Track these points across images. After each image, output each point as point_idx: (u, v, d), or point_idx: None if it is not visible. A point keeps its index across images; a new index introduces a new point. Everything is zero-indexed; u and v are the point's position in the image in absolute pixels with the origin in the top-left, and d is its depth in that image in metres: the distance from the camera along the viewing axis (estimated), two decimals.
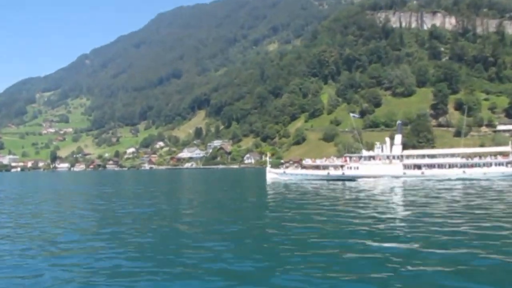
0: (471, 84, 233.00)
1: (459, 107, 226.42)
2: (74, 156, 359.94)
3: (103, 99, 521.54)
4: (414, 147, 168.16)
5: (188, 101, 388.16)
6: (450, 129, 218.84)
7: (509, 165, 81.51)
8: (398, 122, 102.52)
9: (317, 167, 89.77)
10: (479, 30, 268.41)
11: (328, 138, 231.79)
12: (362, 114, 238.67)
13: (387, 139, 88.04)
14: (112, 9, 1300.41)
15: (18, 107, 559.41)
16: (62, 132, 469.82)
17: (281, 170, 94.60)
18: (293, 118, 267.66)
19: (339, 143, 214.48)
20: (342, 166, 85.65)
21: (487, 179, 73.12)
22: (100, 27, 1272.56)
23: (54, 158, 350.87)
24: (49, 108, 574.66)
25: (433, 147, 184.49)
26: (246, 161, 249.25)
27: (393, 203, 38.20)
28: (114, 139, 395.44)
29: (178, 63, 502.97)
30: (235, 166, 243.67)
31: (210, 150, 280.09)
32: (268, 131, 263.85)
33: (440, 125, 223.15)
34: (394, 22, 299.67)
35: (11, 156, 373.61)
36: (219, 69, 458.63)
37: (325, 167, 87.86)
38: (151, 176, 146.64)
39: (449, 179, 73.77)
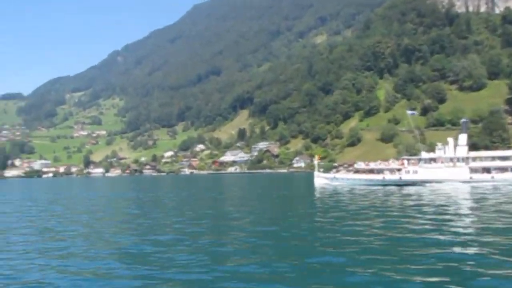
0: None
1: None
2: (109, 160, 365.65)
3: (137, 99, 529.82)
4: (486, 148, 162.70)
5: (229, 100, 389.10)
6: None
7: None
8: (463, 120, 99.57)
9: (371, 171, 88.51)
10: None
11: (387, 138, 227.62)
12: (425, 111, 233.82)
13: (450, 140, 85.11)
14: (145, 2, 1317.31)
15: (48, 109, 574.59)
16: (94, 135, 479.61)
17: (331, 175, 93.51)
18: (346, 117, 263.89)
19: (398, 144, 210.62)
20: (399, 170, 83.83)
21: None
22: (133, 22, 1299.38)
23: (88, 163, 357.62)
24: (80, 109, 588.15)
25: (509, 147, 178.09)
26: (295, 165, 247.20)
27: (461, 214, 35.47)
28: (150, 142, 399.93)
29: (217, 59, 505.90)
30: (283, 170, 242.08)
31: (255, 153, 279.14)
32: (319, 131, 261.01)
33: None
34: (459, 6, 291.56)
35: (42, 161, 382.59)
36: (261, 65, 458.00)
37: (380, 171, 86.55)
38: (194, 181, 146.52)
39: None
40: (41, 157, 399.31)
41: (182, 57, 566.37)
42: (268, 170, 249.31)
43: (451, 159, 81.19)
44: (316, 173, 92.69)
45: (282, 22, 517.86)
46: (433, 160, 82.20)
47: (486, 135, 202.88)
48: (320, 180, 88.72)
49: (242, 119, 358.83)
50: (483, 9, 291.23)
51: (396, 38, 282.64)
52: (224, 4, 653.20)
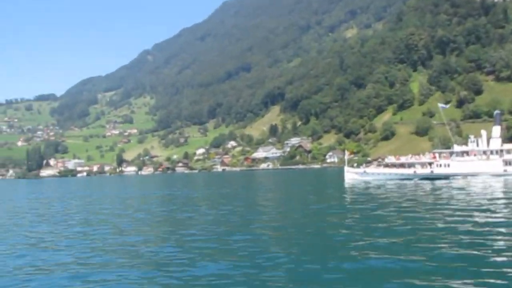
0: None
1: None
2: (141, 158, 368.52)
3: (167, 97, 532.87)
4: None
5: (260, 96, 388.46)
6: None
7: None
8: (496, 112, 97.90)
9: (401, 165, 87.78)
10: None
11: (421, 132, 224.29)
12: (461, 103, 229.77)
13: (483, 132, 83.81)
14: (174, 1, 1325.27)
15: (80, 109, 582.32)
16: (126, 133, 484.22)
17: (361, 170, 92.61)
18: (380, 110, 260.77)
19: (434, 137, 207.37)
20: (430, 164, 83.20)
21: None
22: (162, 21, 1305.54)
23: (121, 161, 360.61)
24: (111, 108, 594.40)
25: None
26: (328, 160, 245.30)
27: (495, 209, 33.75)
28: (182, 140, 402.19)
29: (246, 55, 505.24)
30: (317, 166, 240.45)
31: (288, 149, 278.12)
32: (352, 126, 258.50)
33: None
34: None
35: (76, 161, 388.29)
36: (292, 60, 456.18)
37: (411, 165, 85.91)
38: (227, 178, 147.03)
39: None
40: (74, 157, 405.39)
41: (212, 54, 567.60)
42: (301, 166, 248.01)
43: (484, 152, 80.00)
44: (346, 168, 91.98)
45: (312, 16, 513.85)
46: (466, 153, 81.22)
47: None
48: (350, 175, 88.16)
49: (273, 115, 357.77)
50: None
51: (429, 29, 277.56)
52: (253, 0, 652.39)
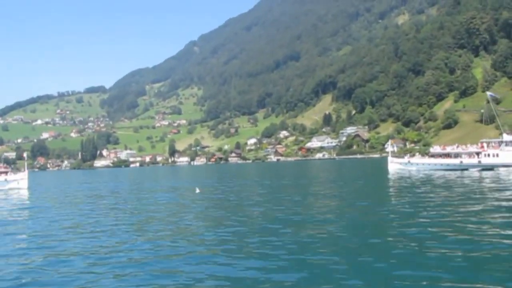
0: None
1: None
2: (193, 149, 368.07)
3: (215, 88, 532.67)
4: None
5: (311, 85, 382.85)
6: None
7: None
8: None
9: (447, 155, 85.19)
10: None
11: (487, 120, 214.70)
12: None
13: None
14: None
15: (129, 100, 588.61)
16: (175, 124, 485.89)
17: (405, 160, 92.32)
18: (440, 98, 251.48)
19: (502, 125, 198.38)
20: (478, 154, 79.79)
21: None
22: (207, 11, 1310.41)
23: (173, 152, 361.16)
24: (160, 99, 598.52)
25: None
26: (387, 149, 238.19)
27: None
28: (232, 130, 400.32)
29: (295, 44, 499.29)
30: (376, 156, 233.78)
31: (344, 138, 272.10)
32: (410, 114, 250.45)
33: None
34: None
35: (128, 151, 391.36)
36: (341, 48, 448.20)
37: (457, 155, 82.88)
38: (287, 168, 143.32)
39: None
40: (126, 147, 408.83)
41: (259, 44, 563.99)
42: (359, 156, 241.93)
43: None
44: (389, 158, 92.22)
45: (361, 3, 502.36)
46: None
47: None
48: (394, 165, 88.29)
49: (325, 105, 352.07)
50: None
51: (492, 12, 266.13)
52: None
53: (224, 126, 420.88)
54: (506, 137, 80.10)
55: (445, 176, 64.81)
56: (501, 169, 73.77)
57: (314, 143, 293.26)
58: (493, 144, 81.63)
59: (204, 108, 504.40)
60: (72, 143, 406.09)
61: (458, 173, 71.08)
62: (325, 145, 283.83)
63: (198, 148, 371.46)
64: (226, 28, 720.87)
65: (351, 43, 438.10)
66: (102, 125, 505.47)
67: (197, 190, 50.62)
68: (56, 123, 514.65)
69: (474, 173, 70.14)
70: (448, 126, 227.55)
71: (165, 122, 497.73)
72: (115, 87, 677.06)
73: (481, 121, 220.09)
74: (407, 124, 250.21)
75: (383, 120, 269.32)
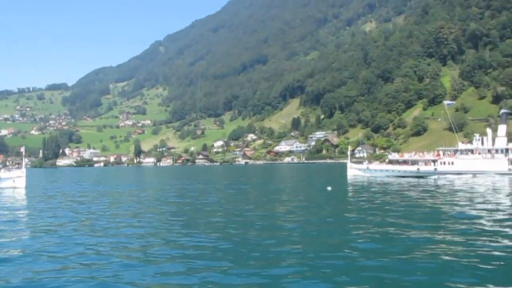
0: None
1: None
2: (159, 150, 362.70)
3: (181, 89, 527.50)
4: None
5: (278, 89, 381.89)
6: None
7: None
8: (503, 111, 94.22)
9: (405, 162, 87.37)
10: None
11: (456, 127, 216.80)
12: (497, 99, 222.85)
13: (489, 131, 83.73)
14: None
15: (93, 99, 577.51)
16: (140, 124, 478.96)
17: (363, 166, 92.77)
18: (409, 105, 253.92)
19: (469, 132, 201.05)
20: (434, 161, 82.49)
21: None
22: (173, 12, 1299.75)
23: (139, 152, 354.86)
24: (124, 99, 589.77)
25: None
26: (357, 155, 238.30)
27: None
28: (198, 132, 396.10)
29: (262, 47, 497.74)
30: (345, 161, 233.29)
31: (313, 143, 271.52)
32: (380, 120, 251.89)
33: None
34: None
35: (92, 151, 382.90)
36: (309, 53, 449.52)
37: (415, 162, 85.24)
38: (257, 171, 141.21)
39: None
40: (89, 147, 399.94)
41: (226, 46, 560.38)
42: (328, 160, 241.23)
43: (489, 151, 79.80)
44: (349, 164, 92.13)
45: (329, 10, 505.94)
46: (470, 151, 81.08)
47: None
48: (353, 171, 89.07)
49: (293, 109, 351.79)
50: None
51: (460, 23, 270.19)
52: None
53: (190, 128, 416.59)
54: (461, 145, 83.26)
55: (399, 182, 66.78)
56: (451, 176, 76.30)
57: (283, 147, 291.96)
58: (449, 153, 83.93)
59: (169, 109, 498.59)
60: (33, 140, 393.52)
61: (414, 180, 73.11)
62: (294, 149, 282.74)
63: (164, 149, 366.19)
64: (192, 29, 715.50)
65: (319, 48, 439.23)
66: (64, 123, 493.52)
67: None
68: (16, 119, 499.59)
69: (430, 180, 71.94)
70: (417, 133, 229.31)
71: (129, 122, 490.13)
72: (78, 85, 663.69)
73: (449, 129, 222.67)
74: (376, 130, 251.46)
75: (352, 126, 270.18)
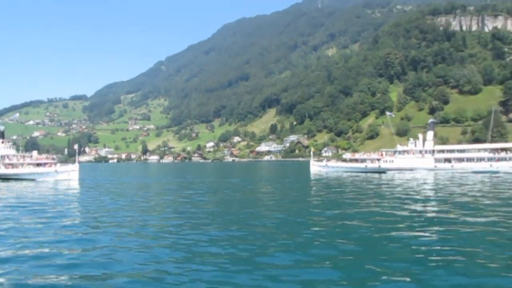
0: None
1: None
2: (161, 149, 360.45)
3: (179, 100, 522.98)
4: (486, 141, 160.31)
5: (259, 100, 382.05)
6: None
7: None
8: (431, 120, 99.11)
9: (356, 160, 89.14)
10: None
11: (401, 133, 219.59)
12: (433, 110, 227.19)
13: (420, 136, 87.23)
14: (183, 22, 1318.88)
15: (107, 108, 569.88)
16: (145, 128, 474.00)
17: (323, 163, 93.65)
18: (364, 115, 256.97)
19: (411, 137, 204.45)
20: (378, 160, 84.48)
21: None
22: (173, 37, 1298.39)
23: (146, 151, 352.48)
24: (132, 108, 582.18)
25: (506, 141, 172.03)
26: (324, 154, 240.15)
27: (420, 194, 37.40)
28: (193, 135, 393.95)
29: (245, 67, 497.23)
30: (315, 159, 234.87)
31: (288, 144, 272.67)
32: (341, 126, 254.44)
33: (510, 121, 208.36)
34: (454, 26, 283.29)
35: (107, 149, 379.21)
36: (283, 72, 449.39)
37: (363, 161, 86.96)
38: (243, 167, 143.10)
39: (477, 172, 73.12)
40: (104, 146, 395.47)
41: (215, 66, 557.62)
42: (301, 159, 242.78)
43: (420, 151, 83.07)
44: (311, 161, 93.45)
45: (299, 38, 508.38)
46: (406, 152, 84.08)
47: (487, 130, 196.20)
48: (315, 167, 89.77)
49: (270, 116, 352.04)
50: (474, 27, 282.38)
51: (403, 50, 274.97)
52: (249, 23, 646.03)
53: (186, 131, 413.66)
54: (399, 147, 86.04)
55: (351, 176, 69.38)
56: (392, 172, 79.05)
57: (263, 147, 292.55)
58: (390, 153, 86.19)
59: (169, 116, 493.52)
60: (59, 141, 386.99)
61: (363, 174, 75.94)
62: (272, 149, 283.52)
63: (166, 148, 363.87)
64: (188, 52, 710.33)
65: (291, 69, 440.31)
66: (84, 127, 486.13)
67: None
68: (45, 124, 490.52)
69: (374, 175, 73.97)
70: (371, 137, 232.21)
71: (137, 126, 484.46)
72: (95, 96, 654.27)
73: (397, 134, 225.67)
74: (339, 134, 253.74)
75: (319, 131, 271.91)
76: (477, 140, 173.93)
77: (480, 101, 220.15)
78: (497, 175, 66.84)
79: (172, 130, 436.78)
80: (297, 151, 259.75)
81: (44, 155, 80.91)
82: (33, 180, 63.85)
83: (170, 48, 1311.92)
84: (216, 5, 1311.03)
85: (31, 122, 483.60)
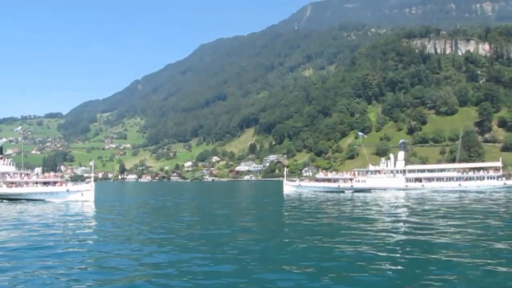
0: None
1: (502, 124, 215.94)
2: (139, 168, 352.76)
3: (156, 119, 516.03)
4: (465, 161, 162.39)
5: (237, 120, 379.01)
6: (496, 144, 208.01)
7: (499, 179, 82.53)
8: (402, 141, 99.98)
9: (328, 180, 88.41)
10: None
11: (381, 153, 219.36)
12: (411, 130, 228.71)
13: (391, 156, 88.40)
14: (159, 41, 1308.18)
15: (83, 126, 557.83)
16: (122, 147, 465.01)
17: (296, 183, 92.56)
18: (344, 135, 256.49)
19: (388, 157, 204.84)
20: (351, 179, 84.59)
21: (480, 192, 72.65)
22: (150, 56, 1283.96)
23: (123, 170, 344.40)
24: (108, 126, 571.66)
25: (483, 161, 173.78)
26: (304, 174, 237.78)
27: (392, 212, 38.86)
28: (171, 154, 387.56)
29: (222, 87, 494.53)
30: (295, 178, 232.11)
31: (268, 164, 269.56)
32: (321, 146, 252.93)
33: (486, 141, 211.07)
34: (429, 48, 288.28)
35: (83, 168, 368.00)
36: (260, 92, 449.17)
37: (336, 180, 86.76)
38: (226, 187, 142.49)
39: (446, 191, 74.06)
40: (80, 165, 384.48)
41: (192, 85, 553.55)
42: (281, 178, 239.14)
43: (392, 171, 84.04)
44: (285, 181, 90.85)
45: (276, 58, 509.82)
46: (378, 171, 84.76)
47: (465, 150, 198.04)
48: (288, 187, 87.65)
49: (249, 136, 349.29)
50: (448, 51, 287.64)
51: (381, 72, 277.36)
52: (226, 44, 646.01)
53: (164, 151, 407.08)
54: (371, 167, 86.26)
55: (325, 196, 68.71)
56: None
57: (242, 167, 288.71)
58: (362, 173, 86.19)
59: (146, 135, 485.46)
60: (33, 159, 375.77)
61: (335, 194, 75.11)
62: (252, 169, 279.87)
63: (143, 167, 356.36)
64: (165, 71, 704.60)
65: (268, 89, 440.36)
66: (59, 145, 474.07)
67: None
68: (19, 141, 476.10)
69: (348, 194, 73.53)
70: (351, 157, 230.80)
71: (113, 145, 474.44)
72: (71, 114, 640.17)
73: (376, 153, 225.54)
74: (319, 154, 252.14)
75: (299, 150, 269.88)
76: (455, 160, 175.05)
77: (457, 121, 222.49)
78: (466, 193, 68.37)
79: (149, 149, 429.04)
80: (277, 171, 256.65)
81: (51, 173, 73.63)
82: (40, 201, 56.86)
83: (146, 67, 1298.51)
84: (194, 25, 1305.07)
85: (4, 140, 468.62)
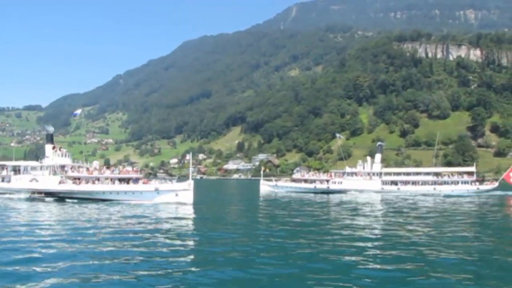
0: (504, 109, 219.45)
1: (495, 129, 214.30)
2: (123, 164, 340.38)
3: (138, 114, 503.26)
4: (459, 165, 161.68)
5: (223, 118, 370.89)
6: (489, 149, 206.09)
7: (473, 183, 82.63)
8: (379, 143, 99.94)
9: (305, 181, 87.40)
10: (503, 61, 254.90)
11: (373, 154, 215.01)
12: (404, 133, 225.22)
13: (369, 158, 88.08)
14: (143, 36, 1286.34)
15: (63, 119, 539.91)
16: (104, 142, 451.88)
17: (273, 183, 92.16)
18: (334, 136, 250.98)
19: (384, 159, 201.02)
20: (327, 181, 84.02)
21: (454, 195, 72.66)
22: (132, 51, 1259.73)
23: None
24: (89, 120, 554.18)
25: (476, 165, 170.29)
26: (295, 174, 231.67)
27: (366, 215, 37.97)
28: (156, 150, 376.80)
29: (206, 84, 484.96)
30: (287, 178, 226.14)
31: (257, 163, 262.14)
32: (312, 146, 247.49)
33: (479, 146, 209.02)
34: (420, 52, 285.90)
35: None
36: (245, 91, 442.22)
37: (312, 181, 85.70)
38: (223, 185, 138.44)
39: (421, 195, 73.89)
40: None
41: (176, 82, 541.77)
42: (272, 178, 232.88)
43: (368, 174, 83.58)
44: (261, 181, 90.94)
45: (261, 57, 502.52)
46: (355, 173, 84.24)
47: (459, 155, 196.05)
48: (265, 187, 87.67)
49: (235, 135, 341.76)
50: (439, 55, 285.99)
51: (372, 74, 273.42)
52: (211, 41, 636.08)
53: (148, 147, 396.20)
54: (348, 169, 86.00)
55: (300, 196, 67.61)
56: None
57: (231, 165, 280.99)
58: (339, 174, 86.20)
59: (128, 131, 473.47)
60: (14, 151, 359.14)
61: (311, 195, 74.02)
62: (241, 167, 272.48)
63: (128, 163, 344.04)
64: (148, 67, 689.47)
65: (253, 88, 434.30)
66: (38, 138, 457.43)
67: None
68: None
69: (324, 196, 71.58)
70: (343, 158, 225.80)
71: (95, 140, 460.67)
72: (50, 107, 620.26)
73: (369, 155, 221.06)
74: (309, 154, 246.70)
75: (289, 150, 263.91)
76: (449, 164, 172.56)
77: (449, 125, 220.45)
78: (440, 197, 68.20)
79: (132, 145, 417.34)
80: (267, 171, 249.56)
81: (129, 168, 59.02)
82: (115, 201, 46.00)
83: (129, 62, 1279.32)
84: (177, 21, 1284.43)
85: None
